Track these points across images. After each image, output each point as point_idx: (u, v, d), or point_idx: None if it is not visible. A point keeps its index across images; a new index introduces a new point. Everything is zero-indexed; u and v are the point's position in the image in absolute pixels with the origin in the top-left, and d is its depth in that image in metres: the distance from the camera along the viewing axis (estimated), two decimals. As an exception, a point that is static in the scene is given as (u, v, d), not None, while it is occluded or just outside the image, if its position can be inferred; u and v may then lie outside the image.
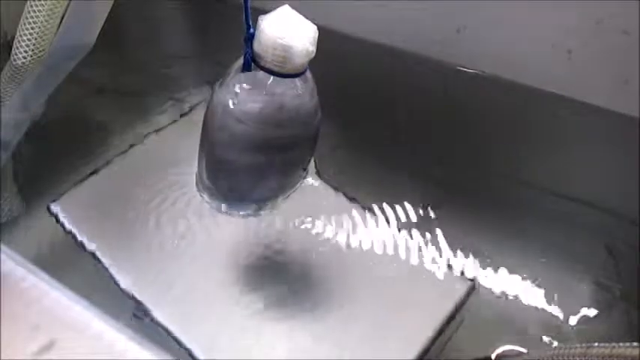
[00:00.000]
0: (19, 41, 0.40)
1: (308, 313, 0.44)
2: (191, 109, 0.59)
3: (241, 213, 0.44)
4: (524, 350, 0.42)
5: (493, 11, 0.51)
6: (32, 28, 0.39)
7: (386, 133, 0.56)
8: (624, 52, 0.47)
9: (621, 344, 0.27)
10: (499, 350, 0.42)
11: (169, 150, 0.55)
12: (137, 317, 0.43)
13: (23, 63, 0.41)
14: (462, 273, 0.46)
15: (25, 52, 0.40)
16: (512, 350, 0.42)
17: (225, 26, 0.62)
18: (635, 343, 0.27)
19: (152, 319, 0.43)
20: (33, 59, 0.40)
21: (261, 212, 0.43)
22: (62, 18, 0.40)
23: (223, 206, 0.43)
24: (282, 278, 0.45)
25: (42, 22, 0.39)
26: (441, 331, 0.43)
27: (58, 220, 0.49)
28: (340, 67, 0.54)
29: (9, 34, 0.41)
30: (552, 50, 0.50)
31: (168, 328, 0.42)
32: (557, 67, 0.50)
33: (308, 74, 0.35)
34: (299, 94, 0.35)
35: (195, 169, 0.47)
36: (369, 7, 0.56)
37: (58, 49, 0.41)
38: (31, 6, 0.38)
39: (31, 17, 0.39)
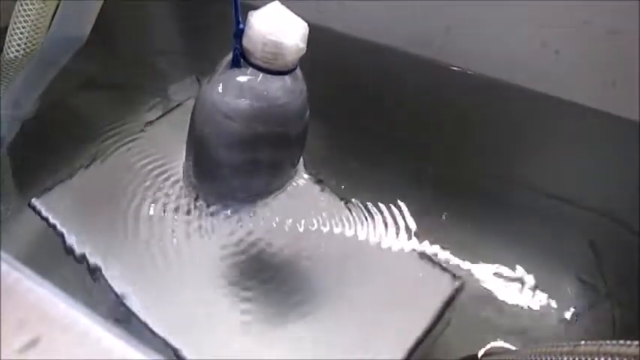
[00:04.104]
0: (11, 34, 0.39)
1: (296, 312, 0.43)
2: (179, 104, 0.59)
3: (229, 211, 0.44)
4: (511, 347, 0.42)
5: (482, 10, 0.51)
6: (25, 21, 0.38)
7: (375, 131, 0.56)
8: (612, 52, 0.47)
9: (608, 342, 0.28)
10: (486, 347, 0.42)
11: (156, 146, 0.54)
12: (120, 321, 0.43)
13: (16, 57, 0.40)
14: (450, 271, 0.47)
15: (18, 45, 0.39)
16: (500, 347, 0.42)
17: (214, 21, 0.61)
18: (622, 341, 0.27)
19: (138, 319, 0.42)
20: (26, 52, 0.40)
21: (250, 210, 0.43)
22: (55, 10, 0.40)
23: (211, 204, 0.42)
24: (271, 277, 0.45)
25: (35, 14, 0.38)
26: (429, 330, 0.43)
27: (42, 216, 0.48)
28: (329, 64, 0.54)
29: (2, 23, 0.40)
30: (540, 50, 0.50)
31: (156, 329, 0.42)
32: (545, 66, 0.51)
33: (298, 72, 0.35)
34: (288, 91, 0.35)
35: (181, 165, 0.47)
36: (358, 5, 0.56)
37: (51, 43, 0.40)
38: (24, -2, 0.38)
39: (24, 10, 0.38)
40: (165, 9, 0.65)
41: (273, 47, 0.32)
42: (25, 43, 0.39)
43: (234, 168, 0.39)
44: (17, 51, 0.39)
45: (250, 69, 0.34)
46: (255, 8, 0.33)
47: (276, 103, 0.35)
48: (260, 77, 0.34)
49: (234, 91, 0.35)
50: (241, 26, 0.33)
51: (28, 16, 0.38)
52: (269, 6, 0.33)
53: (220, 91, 0.35)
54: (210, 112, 0.36)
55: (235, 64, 0.34)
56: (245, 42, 0.33)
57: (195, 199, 0.42)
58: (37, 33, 0.39)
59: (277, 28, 0.32)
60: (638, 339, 0.27)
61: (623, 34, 0.46)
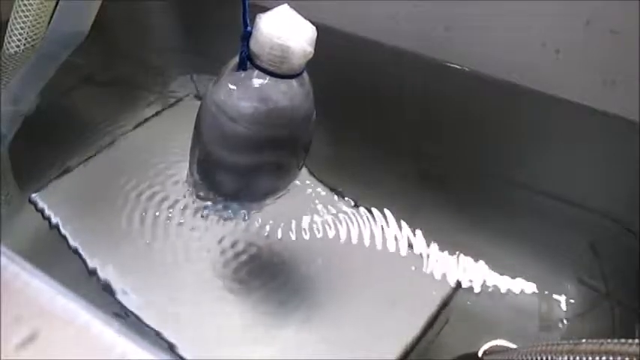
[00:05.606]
0: (11, 30, 0.39)
1: (295, 313, 0.43)
2: (177, 101, 0.59)
3: (232, 212, 0.44)
4: (511, 345, 0.42)
5: (482, 9, 0.51)
6: (25, 17, 0.38)
7: (375, 130, 0.56)
8: (612, 51, 0.47)
9: (609, 340, 0.28)
10: (487, 346, 0.42)
11: (155, 143, 0.54)
12: (117, 315, 0.42)
13: (16, 52, 0.40)
14: (449, 271, 0.47)
15: (18, 40, 0.39)
16: (500, 346, 0.42)
17: (212, 19, 0.61)
18: (623, 340, 0.27)
19: (135, 316, 0.42)
20: (26, 48, 0.40)
21: (253, 212, 0.43)
22: (56, 6, 0.39)
23: (214, 204, 0.42)
24: (272, 278, 0.45)
25: (35, 10, 0.38)
26: (427, 329, 0.43)
27: (40, 211, 0.48)
28: (328, 62, 0.54)
29: (2, 18, 0.40)
30: (541, 49, 0.50)
31: (154, 327, 0.42)
32: (546, 66, 0.50)
33: (305, 75, 0.35)
34: (295, 95, 0.35)
35: (181, 162, 0.47)
36: (358, 3, 0.56)
37: (51, 38, 0.40)
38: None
39: (24, 5, 0.38)
40: (164, 6, 0.65)
41: (279, 51, 0.32)
42: (26, 39, 0.39)
43: (238, 170, 0.39)
44: (17, 46, 0.39)
45: (257, 72, 0.34)
46: (263, 8, 0.33)
47: (282, 107, 0.34)
48: (266, 80, 0.34)
49: (240, 94, 0.34)
50: (249, 29, 0.33)
51: (29, 11, 0.38)
52: (277, 9, 0.33)
53: (226, 94, 0.35)
54: (216, 115, 0.35)
55: (242, 67, 0.34)
56: (252, 44, 0.33)
57: (199, 200, 0.42)
58: (37, 28, 0.39)
59: (285, 31, 0.32)
60: (639, 338, 0.27)
61: (624, 33, 0.46)
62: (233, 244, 0.46)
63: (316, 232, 0.48)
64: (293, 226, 0.48)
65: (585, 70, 0.49)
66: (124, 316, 0.42)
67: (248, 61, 0.34)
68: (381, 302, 0.44)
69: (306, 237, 0.48)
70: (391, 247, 0.48)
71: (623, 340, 0.27)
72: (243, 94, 0.34)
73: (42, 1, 0.38)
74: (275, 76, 0.33)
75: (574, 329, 0.44)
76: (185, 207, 0.48)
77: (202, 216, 0.47)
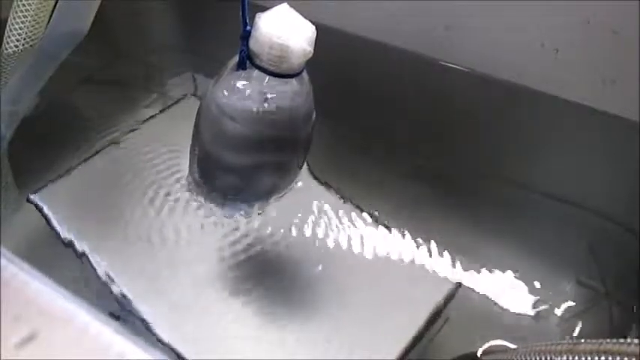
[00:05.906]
0: (10, 29, 0.39)
1: (295, 313, 0.43)
2: (176, 101, 0.59)
3: (232, 212, 0.44)
4: (510, 345, 0.42)
5: (481, 8, 0.51)
6: (24, 16, 0.38)
7: (375, 130, 0.56)
8: (612, 51, 0.47)
9: (608, 340, 0.28)
10: (486, 345, 0.42)
11: (155, 142, 0.54)
12: (114, 316, 0.42)
13: (14, 52, 0.40)
14: (448, 271, 0.46)
15: (17, 40, 0.39)
16: (499, 346, 0.42)
17: (211, 18, 0.61)
18: (621, 340, 0.27)
19: (135, 316, 0.42)
20: (25, 47, 0.40)
21: (253, 212, 0.43)
22: (55, 5, 0.39)
23: (215, 204, 0.42)
24: (272, 279, 0.45)
25: (34, 9, 0.38)
26: (426, 329, 0.43)
27: (39, 212, 0.48)
28: (328, 62, 0.54)
29: (1, 17, 0.40)
30: (540, 49, 0.50)
31: (153, 328, 0.42)
32: (545, 65, 0.51)
33: (304, 75, 0.35)
34: (294, 94, 0.35)
35: (181, 162, 0.47)
36: (357, 3, 0.56)
37: (51, 37, 0.40)
38: (23, -6, 0.38)
39: (23, 4, 0.38)
40: (164, 6, 0.65)
41: (279, 50, 0.32)
42: (25, 38, 0.39)
43: (238, 170, 0.39)
44: (16, 46, 0.39)
45: (256, 71, 0.34)
46: (262, 8, 0.33)
47: (281, 107, 0.35)
48: (266, 80, 0.34)
49: (240, 93, 0.35)
50: (248, 28, 0.33)
51: (28, 10, 0.38)
52: (277, 8, 0.33)
53: (226, 93, 0.35)
54: (216, 115, 0.35)
55: (241, 66, 0.34)
56: (251, 44, 0.33)
57: (198, 200, 0.42)
58: (36, 28, 0.39)
59: (285, 31, 0.32)
60: (638, 338, 0.27)
61: (623, 33, 0.46)
62: (233, 244, 0.46)
63: (317, 233, 0.48)
64: (293, 227, 0.48)
65: (585, 70, 0.49)
66: (123, 316, 0.42)
67: (248, 60, 0.34)
68: (380, 302, 0.44)
69: (307, 238, 0.48)
70: (391, 247, 0.48)
71: (621, 340, 0.27)
72: (243, 94, 0.34)
73: (41, 1, 0.38)
74: (275, 76, 0.33)
75: (573, 329, 0.44)
76: (186, 207, 0.48)
77: (203, 216, 0.47)
